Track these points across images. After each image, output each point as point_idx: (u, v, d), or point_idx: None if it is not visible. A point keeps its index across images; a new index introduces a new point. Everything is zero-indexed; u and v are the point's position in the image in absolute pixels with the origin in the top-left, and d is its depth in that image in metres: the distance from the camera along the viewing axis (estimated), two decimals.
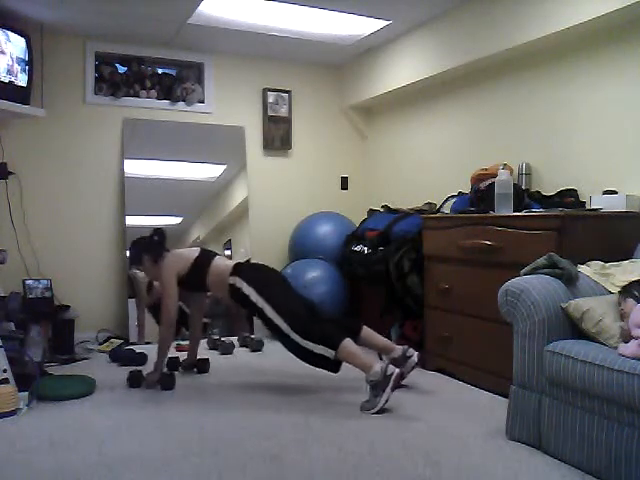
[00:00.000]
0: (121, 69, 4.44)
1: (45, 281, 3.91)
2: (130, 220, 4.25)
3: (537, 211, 2.85)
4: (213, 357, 3.60)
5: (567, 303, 2.18)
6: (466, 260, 3.09)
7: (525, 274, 2.37)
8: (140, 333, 4.12)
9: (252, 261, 4.52)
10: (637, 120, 2.87)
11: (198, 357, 3.43)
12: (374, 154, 5.05)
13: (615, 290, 2.26)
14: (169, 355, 3.14)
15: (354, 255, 3.99)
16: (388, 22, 3.96)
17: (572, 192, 3.11)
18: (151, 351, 3.12)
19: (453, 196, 3.77)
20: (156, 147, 4.45)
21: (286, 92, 4.82)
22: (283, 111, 4.81)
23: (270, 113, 4.77)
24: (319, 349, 2.71)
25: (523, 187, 3.31)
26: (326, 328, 2.82)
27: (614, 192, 2.87)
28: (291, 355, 2.82)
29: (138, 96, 4.41)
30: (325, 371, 2.78)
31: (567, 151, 3.24)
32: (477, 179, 3.47)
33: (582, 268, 2.42)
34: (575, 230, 2.61)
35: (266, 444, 2.28)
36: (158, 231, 3.24)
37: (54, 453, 2.21)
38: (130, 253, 3.32)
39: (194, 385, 3.13)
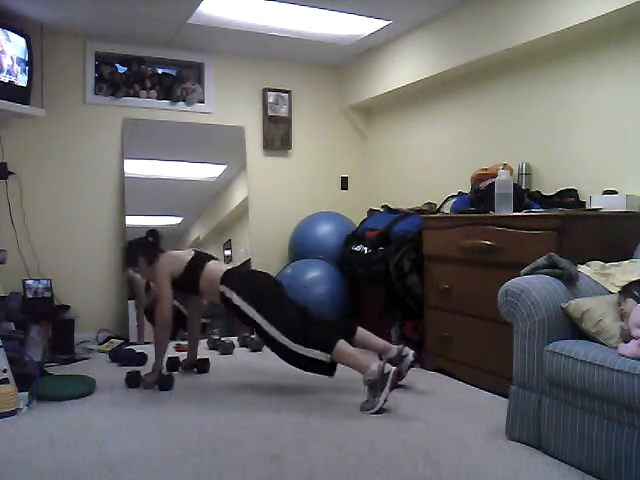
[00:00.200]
0: (121, 69, 4.44)
1: (45, 281, 3.91)
2: (130, 220, 4.25)
3: (537, 211, 2.85)
4: (213, 357, 3.60)
5: (567, 303, 2.18)
6: (466, 260, 3.09)
7: (525, 274, 2.37)
8: (140, 333, 4.12)
9: (252, 261, 4.54)
10: (637, 120, 2.87)
11: (198, 357, 3.43)
12: (374, 154, 5.04)
13: (615, 290, 2.26)
14: (169, 355, 3.14)
15: (354, 255, 3.99)
16: (388, 22, 3.96)
17: (572, 192, 3.11)
18: (151, 351, 3.12)
19: (453, 196, 3.77)
20: (156, 147, 4.45)
21: (286, 92, 4.82)
22: (283, 111, 4.82)
23: (270, 113, 4.77)
24: (313, 353, 2.71)
25: (523, 187, 3.31)
26: (319, 332, 2.82)
27: (614, 192, 2.87)
28: None
29: (138, 96, 4.41)
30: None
31: (567, 151, 3.24)
32: (477, 179, 3.47)
33: (582, 268, 2.42)
34: (575, 230, 2.61)
35: (266, 444, 2.28)
36: (153, 232, 3.24)
37: (54, 453, 2.21)
38: (125, 255, 3.32)
39: (194, 385, 3.13)
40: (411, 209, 4.00)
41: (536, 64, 3.41)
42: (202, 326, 3.73)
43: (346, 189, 5.12)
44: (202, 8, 3.69)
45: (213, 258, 3.19)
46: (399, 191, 4.63)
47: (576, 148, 3.19)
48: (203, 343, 4.04)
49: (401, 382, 2.94)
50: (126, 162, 4.33)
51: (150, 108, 4.43)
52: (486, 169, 3.48)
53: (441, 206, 3.82)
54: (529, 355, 2.22)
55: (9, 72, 3.64)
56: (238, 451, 2.22)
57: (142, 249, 3.19)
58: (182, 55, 4.55)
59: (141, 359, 3.52)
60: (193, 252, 3.18)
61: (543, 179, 3.37)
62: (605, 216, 2.75)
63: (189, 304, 3.47)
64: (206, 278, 3.03)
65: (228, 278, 2.99)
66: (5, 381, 2.60)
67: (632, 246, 2.59)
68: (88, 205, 4.26)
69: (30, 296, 3.81)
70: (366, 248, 3.89)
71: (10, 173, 3.95)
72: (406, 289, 3.51)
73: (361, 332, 3.05)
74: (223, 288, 2.96)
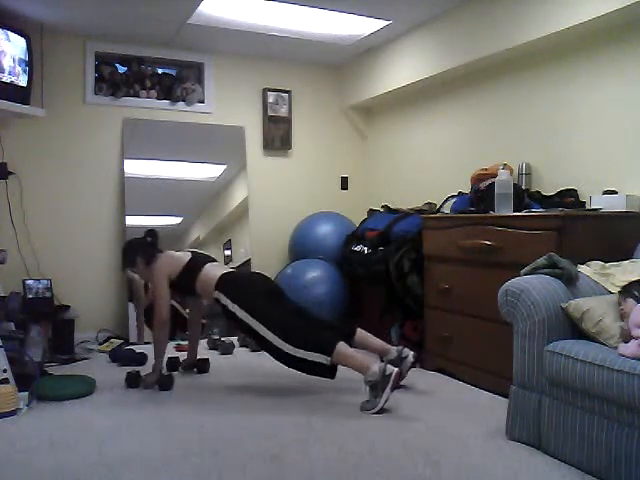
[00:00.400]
0: (121, 69, 4.44)
1: (45, 281, 3.91)
2: (130, 220, 4.24)
3: (537, 211, 2.85)
4: (213, 357, 3.60)
5: (567, 303, 2.18)
6: (466, 260, 3.09)
7: (525, 274, 2.37)
8: (139, 333, 4.12)
9: (252, 261, 4.53)
10: (637, 120, 2.87)
11: (198, 357, 3.43)
12: (374, 154, 5.04)
13: (615, 290, 2.26)
14: (169, 355, 3.14)
15: (354, 255, 3.99)
16: (388, 22, 3.96)
17: (572, 192, 3.11)
18: (151, 351, 3.12)
19: (453, 196, 3.77)
20: (156, 147, 4.45)
21: (286, 92, 4.82)
22: (283, 111, 4.82)
23: (270, 113, 4.77)
24: (313, 356, 2.70)
25: (523, 187, 3.31)
26: (318, 334, 2.80)
27: (614, 192, 2.87)
28: None
29: (138, 96, 4.41)
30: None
31: (567, 151, 3.24)
32: (477, 179, 3.47)
33: (582, 268, 2.42)
34: (575, 230, 2.61)
35: (266, 444, 2.28)
36: (151, 232, 3.24)
37: (54, 453, 2.20)
38: (123, 255, 3.31)
39: (194, 385, 3.13)
40: (411, 209, 4.00)
41: (536, 64, 3.41)
42: (202, 326, 3.74)
43: (346, 189, 5.12)
44: (202, 8, 3.69)
45: (210, 260, 3.18)
46: (399, 191, 4.63)
47: (576, 148, 3.19)
48: (203, 343, 4.04)
49: (401, 383, 2.93)
50: (126, 162, 4.33)
51: (150, 108, 4.43)
52: (486, 169, 3.48)
53: (441, 206, 3.82)
54: (529, 355, 2.22)
55: (11, 73, 3.65)
56: (238, 451, 2.22)
57: (140, 249, 3.19)
58: (182, 55, 4.55)
59: (141, 359, 3.52)
60: (190, 254, 3.15)
61: (543, 179, 3.37)
62: (605, 216, 2.75)
63: (190, 304, 3.47)
64: (202, 280, 3.02)
65: (222, 284, 2.96)
66: (5, 381, 2.60)
67: (632, 246, 2.59)
68: (88, 205, 4.26)
69: (30, 296, 3.81)
70: (366, 248, 3.89)
71: (10, 173, 3.95)
72: (406, 289, 3.51)
73: (360, 333, 3.05)
74: (217, 294, 2.96)
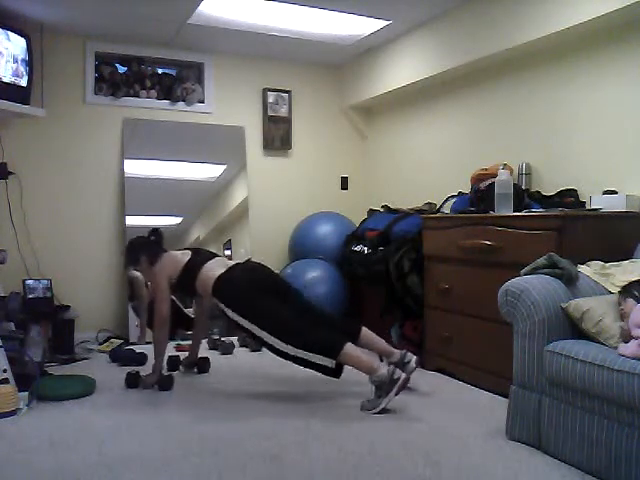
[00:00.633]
0: (121, 69, 4.44)
1: (45, 281, 3.91)
2: (130, 220, 4.25)
3: (537, 211, 2.85)
4: (213, 357, 3.60)
5: (567, 303, 2.18)
6: (466, 260, 3.09)
7: (525, 274, 2.37)
8: (142, 332, 4.10)
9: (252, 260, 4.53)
10: (637, 120, 2.87)
11: (199, 356, 3.43)
12: (374, 154, 5.05)
13: (615, 290, 2.26)
14: (170, 354, 3.14)
15: (354, 255, 3.99)
16: (388, 22, 3.96)
17: (572, 192, 3.11)
18: (151, 351, 3.12)
19: (453, 196, 3.77)
20: (156, 147, 4.45)
21: (286, 92, 4.82)
22: (283, 111, 4.82)
23: (270, 113, 4.77)
24: (316, 358, 2.67)
25: (523, 187, 3.31)
26: (324, 336, 2.76)
27: (614, 192, 2.87)
28: None
29: (138, 96, 4.41)
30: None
31: (567, 151, 3.24)
32: (477, 179, 3.47)
33: (582, 268, 2.42)
34: (575, 230, 2.61)
35: (266, 444, 2.28)
36: (155, 231, 3.23)
37: (54, 453, 2.20)
38: (127, 253, 3.29)
39: (194, 385, 3.13)
40: (411, 209, 4.00)
41: (536, 64, 3.41)
42: (207, 326, 3.72)
43: (346, 189, 5.12)
44: (202, 8, 3.69)
45: (210, 256, 3.12)
46: (399, 191, 4.63)
47: (576, 148, 3.19)
48: (203, 343, 4.04)
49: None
50: (126, 162, 4.33)
51: (150, 108, 4.43)
52: (486, 169, 3.48)
53: (441, 206, 3.82)
54: (529, 355, 2.22)
55: (14, 74, 3.65)
56: (238, 451, 2.22)
57: (144, 248, 3.17)
58: (182, 55, 4.55)
59: (141, 359, 3.51)
60: (190, 253, 3.13)
61: (543, 179, 3.37)
62: (605, 216, 2.75)
63: (196, 304, 3.47)
64: (201, 280, 2.98)
65: (219, 288, 2.92)
66: (5, 381, 2.60)
67: (632, 246, 2.59)
68: (88, 205, 4.26)
69: (30, 296, 3.81)
70: (366, 248, 3.89)
71: (10, 173, 3.95)
72: (406, 289, 3.51)
73: (366, 333, 3.02)
74: (215, 299, 2.94)
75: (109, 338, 3.99)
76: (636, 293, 2.11)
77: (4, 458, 2.16)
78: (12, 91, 3.64)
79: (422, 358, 3.34)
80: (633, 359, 1.87)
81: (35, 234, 4.04)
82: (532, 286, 2.23)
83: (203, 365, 3.38)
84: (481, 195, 3.22)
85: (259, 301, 2.86)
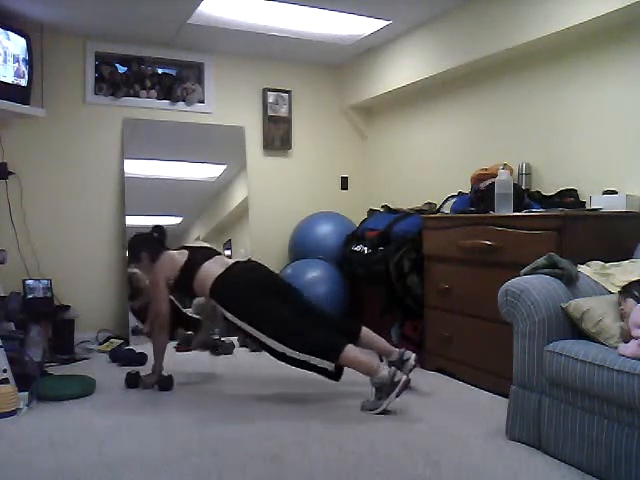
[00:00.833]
0: (121, 69, 4.44)
1: (45, 281, 3.90)
2: (130, 220, 4.25)
3: (537, 211, 2.85)
4: (213, 357, 3.60)
5: (567, 303, 2.18)
6: (466, 260, 3.09)
7: (525, 274, 2.37)
8: (144, 326, 4.08)
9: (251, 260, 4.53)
10: (637, 120, 2.87)
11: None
12: (374, 154, 5.05)
13: (615, 290, 2.26)
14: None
15: (354, 255, 3.98)
16: (388, 22, 3.96)
17: (572, 192, 3.11)
18: (151, 351, 3.11)
19: (453, 196, 3.77)
20: (156, 147, 4.45)
21: (286, 92, 4.82)
22: (283, 111, 4.82)
23: (270, 113, 4.77)
24: (316, 361, 2.67)
25: (523, 187, 3.31)
26: (324, 338, 2.75)
27: (614, 192, 2.87)
28: None
29: (138, 96, 4.41)
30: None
31: (567, 151, 3.24)
32: (477, 179, 3.47)
33: (582, 268, 2.42)
34: (575, 230, 2.61)
35: (266, 444, 2.28)
36: (158, 228, 3.23)
37: (54, 453, 2.21)
38: (129, 249, 3.29)
39: (194, 385, 3.13)
40: (411, 209, 4.00)
41: (536, 64, 3.41)
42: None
43: (346, 189, 5.12)
44: (202, 8, 3.69)
45: (208, 255, 3.07)
46: (399, 191, 4.63)
47: (576, 148, 3.19)
48: None
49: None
50: (126, 162, 4.33)
51: (150, 108, 4.43)
52: (486, 169, 3.48)
53: (441, 206, 3.82)
54: (529, 355, 2.22)
55: (15, 74, 3.65)
56: (238, 451, 2.22)
57: (146, 245, 3.16)
58: (182, 55, 4.55)
59: (141, 359, 3.52)
60: (187, 253, 3.08)
61: (543, 179, 3.37)
62: (605, 216, 2.75)
63: (204, 309, 3.50)
64: (199, 281, 2.96)
65: (216, 290, 2.90)
66: (5, 381, 2.60)
67: (632, 246, 2.59)
68: (88, 205, 4.26)
69: (30, 296, 3.81)
70: (366, 248, 3.89)
71: (10, 173, 3.95)
72: (406, 289, 3.51)
73: (366, 332, 3.02)
74: (213, 301, 2.93)
75: (109, 338, 3.99)
76: (636, 293, 2.11)
77: (4, 458, 2.16)
78: (12, 91, 3.64)
79: (422, 358, 3.35)
80: (633, 359, 1.87)
81: (35, 234, 4.04)
82: (532, 286, 2.23)
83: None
84: (481, 195, 3.22)
85: (258, 302, 2.85)
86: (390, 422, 2.52)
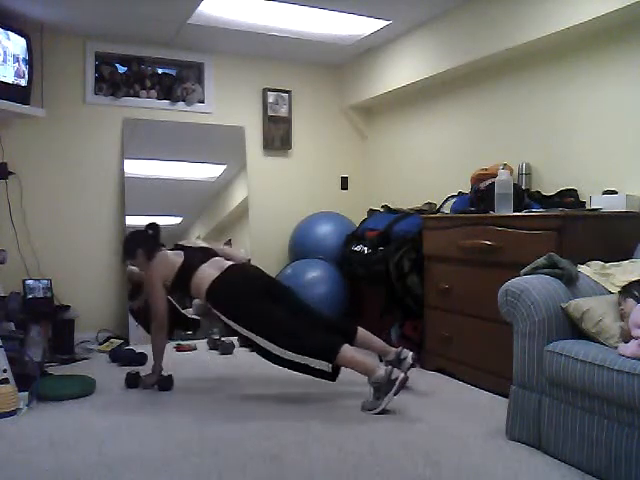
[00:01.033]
0: (121, 69, 4.44)
1: (45, 281, 3.90)
2: (130, 220, 4.24)
3: (537, 211, 2.85)
4: (213, 357, 3.60)
5: (567, 303, 2.18)
6: (466, 260, 3.09)
7: (525, 274, 2.37)
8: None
9: (251, 261, 4.52)
10: (637, 120, 2.87)
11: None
12: (374, 154, 5.04)
13: (615, 290, 2.26)
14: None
15: (354, 255, 3.99)
16: (388, 22, 3.96)
17: (572, 192, 3.11)
18: (151, 351, 3.11)
19: (453, 196, 3.77)
20: (156, 147, 4.45)
21: (286, 92, 4.82)
22: (283, 111, 4.82)
23: (270, 113, 4.77)
24: (314, 363, 2.67)
25: (523, 187, 3.31)
26: (320, 339, 2.75)
27: (614, 192, 2.87)
28: None
29: (138, 96, 4.41)
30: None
31: (567, 151, 3.24)
32: (477, 179, 3.47)
33: (582, 268, 2.42)
34: (575, 230, 2.61)
35: (266, 444, 2.28)
36: (152, 225, 3.22)
37: (54, 453, 2.21)
38: (124, 246, 3.28)
39: (194, 385, 3.13)
40: (411, 209, 4.00)
41: (536, 64, 3.41)
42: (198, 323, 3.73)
43: (346, 189, 5.12)
44: (202, 8, 3.69)
45: (203, 258, 3.05)
46: (399, 191, 4.63)
47: (576, 148, 3.19)
48: (203, 343, 4.05)
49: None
50: (126, 162, 4.33)
51: (150, 108, 4.43)
52: (486, 169, 3.48)
53: (441, 206, 3.82)
54: (529, 355, 2.22)
55: (15, 74, 3.65)
56: (238, 451, 2.22)
57: (142, 242, 3.15)
58: (182, 55, 4.55)
59: (141, 359, 3.52)
60: (183, 255, 3.07)
61: (543, 179, 3.37)
62: (605, 216, 2.75)
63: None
64: (195, 284, 2.96)
65: (212, 294, 2.90)
66: (5, 381, 2.60)
67: (632, 246, 2.59)
68: (88, 205, 4.26)
69: (30, 296, 3.81)
70: (366, 248, 3.89)
71: (10, 173, 3.95)
72: (406, 289, 3.51)
73: (362, 333, 3.03)
74: (209, 305, 2.94)
75: (109, 338, 3.99)
76: (636, 293, 2.11)
77: (4, 458, 2.16)
78: (12, 91, 3.64)
79: (422, 358, 3.35)
80: (633, 359, 1.87)
81: (35, 234, 4.04)
82: (532, 286, 2.23)
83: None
84: (481, 195, 3.22)
85: (254, 306, 2.85)
86: (390, 422, 2.52)
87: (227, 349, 3.84)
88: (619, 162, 2.96)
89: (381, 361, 3.06)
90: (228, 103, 4.68)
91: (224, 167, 4.65)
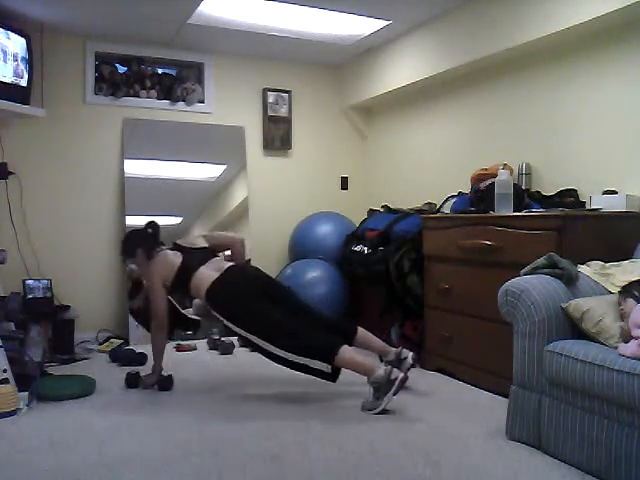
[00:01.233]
0: (121, 69, 4.44)
1: (45, 281, 3.90)
2: (130, 220, 4.24)
3: (537, 211, 2.85)
4: (213, 357, 3.60)
5: (567, 303, 2.18)
6: (466, 260, 3.09)
7: (525, 274, 2.37)
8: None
9: (251, 261, 4.52)
10: (637, 120, 2.87)
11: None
12: (374, 154, 5.04)
13: (615, 290, 2.26)
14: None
15: (354, 255, 3.99)
16: (388, 22, 3.96)
17: (572, 192, 3.11)
18: (151, 351, 3.11)
19: (453, 196, 3.77)
20: (156, 147, 4.45)
21: (286, 92, 4.82)
22: (283, 111, 4.81)
23: (270, 113, 4.77)
24: (314, 364, 2.68)
25: (523, 187, 3.31)
26: (320, 340, 2.75)
27: (614, 192, 2.87)
28: None
29: (138, 96, 4.41)
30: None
31: (567, 151, 3.24)
32: (477, 179, 3.47)
33: (582, 268, 2.42)
34: (575, 230, 2.61)
35: (266, 444, 2.28)
36: (151, 223, 3.21)
37: (54, 453, 2.21)
38: (123, 245, 3.27)
39: (194, 385, 3.13)
40: (411, 209, 4.00)
41: (536, 64, 3.41)
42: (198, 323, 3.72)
43: (346, 189, 5.12)
44: (202, 8, 3.69)
45: (202, 259, 3.04)
46: (399, 191, 4.63)
47: (576, 148, 3.19)
48: (203, 343, 4.05)
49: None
50: (126, 162, 4.33)
51: (150, 108, 4.43)
52: (486, 169, 3.48)
53: (441, 206, 3.82)
54: (529, 355, 2.22)
55: (15, 74, 3.65)
56: (238, 451, 2.22)
57: (141, 241, 3.15)
58: (182, 55, 4.55)
59: (141, 359, 3.52)
60: (182, 256, 3.06)
61: (543, 179, 3.37)
62: (605, 216, 2.75)
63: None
64: (194, 285, 2.96)
65: (211, 296, 2.90)
66: (5, 381, 2.60)
67: (632, 246, 2.59)
68: (88, 205, 4.26)
69: (30, 296, 3.81)
70: (366, 248, 3.89)
71: (10, 173, 3.95)
72: (406, 289, 3.51)
73: (362, 333, 3.03)
74: (208, 306, 2.94)
75: (109, 338, 3.99)
76: (636, 293, 2.11)
77: (4, 458, 2.16)
78: (12, 91, 3.64)
79: (422, 358, 3.35)
80: (633, 359, 1.87)
81: (35, 234, 4.04)
82: (532, 286, 2.23)
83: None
84: (481, 195, 3.22)
85: (252, 306, 2.85)
86: (390, 422, 2.52)
87: (227, 349, 3.84)
88: (619, 162, 2.96)
89: (381, 361, 3.06)
90: (228, 103, 4.68)
91: (224, 167, 4.65)
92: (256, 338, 2.78)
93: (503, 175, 3.02)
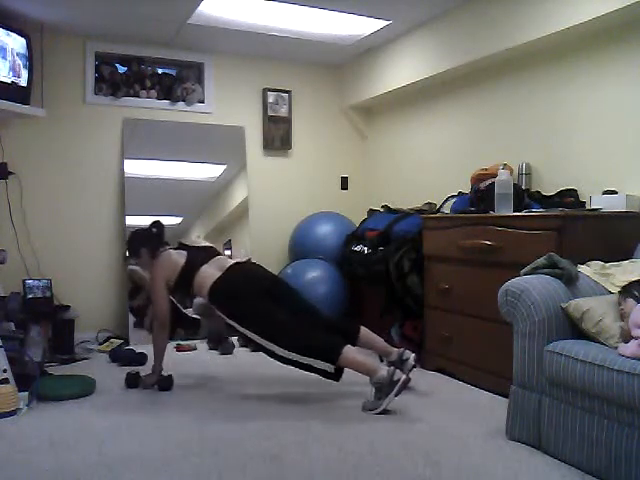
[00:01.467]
0: (121, 69, 4.44)
1: (45, 281, 3.90)
2: (130, 220, 4.24)
3: (537, 211, 2.85)
4: (213, 357, 3.60)
5: (567, 303, 2.18)
6: (466, 260, 3.09)
7: (525, 274, 2.37)
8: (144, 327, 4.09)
9: (252, 261, 4.53)
10: (637, 120, 2.87)
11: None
12: (374, 154, 5.04)
13: (615, 290, 2.26)
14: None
15: (354, 255, 3.99)
16: (388, 22, 3.96)
17: (572, 192, 3.11)
18: (151, 351, 3.11)
19: (453, 196, 3.77)
20: (156, 147, 4.45)
21: (286, 92, 4.82)
22: (283, 111, 4.81)
23: (270, 113, 4.77)
24: (317, 363, 2.68)
25: (523, 187, 3.31)
26: (323, 340, 2.75)
27: (614, 192, 2.87)
28: None
29: (138, 96, 4.41)
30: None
31: (567, 151, 3.24)
32: (477, 179, 3.47)
33: (582, 268, 2.42)
34: (575, 230, 2.61)
35: (266, 444, 2.28)
36: (156, 223, 3.21)
37: (54, 453, 2.20)
38: (128, 245, 3.27)
39: (194, 385, 3.13)
40: (411, 209, 4.00)
41: (536, 64, 3.41)
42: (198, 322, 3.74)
43: (346, 189, 5.12)
44: (202, 8, 3.69)
45: (206, 257, 3.04)
46: (399, 191, 4.63)
47: (576, 148, 3.19)
48: (203, 343, 4.05)
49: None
50: (126, 162, 4.33)
51: (150, 108, 4.43)
52: (486, 169, 3.48)
53: (441, 206, 3.82)
54: (529, 355, 2.22)
55: (14, 74, 3.65)
56: (238, 451, 2.22)
57: (146, 241, 3.15)
58: (182, 55, 4.55)
59: (141, 359, 3.52)
60: (185, 254, 3.06)
61: (543, 179, 3.37)
62: (605, 216, 2.75)
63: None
64: (197, 284, 2.96)
65: (214, 295, 2.90)
66: (5, 381, 2.60)
67: (632, 246, 2.59)
68: (88, 205, 4.26)
69: (30, 296, 3.81)
70: (366, 248, 3.89)
71: (10, 173, 3.95)
72: (406, 289, 3.51)
73: (364, 332, 3.03)
74: (212, 305, 2.94)
75: (109, 338, 3.99)
76: (636, 293, 2.11)
77: (4, 458, 2.16)
78: (12, 91, 3.64)
79: (422, 358, 3.35)
80: (633, 359, 1.87)
81: (35, 234, 4.04)
82: (532, 286, 2.23)
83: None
84: (481, 195, 3.22)
85: (256, 306, 2.85)
86: (390, 422, 2.52)
87: (227, 349, 3.84)
88: (619, 162, 2.96)
89: (382, 361, 3.06)
90: (228, 103, 4.68)
91: (224, 167, 4.65)
92: (259, 338, 2.78)
93: (503, 175, 3.02)
